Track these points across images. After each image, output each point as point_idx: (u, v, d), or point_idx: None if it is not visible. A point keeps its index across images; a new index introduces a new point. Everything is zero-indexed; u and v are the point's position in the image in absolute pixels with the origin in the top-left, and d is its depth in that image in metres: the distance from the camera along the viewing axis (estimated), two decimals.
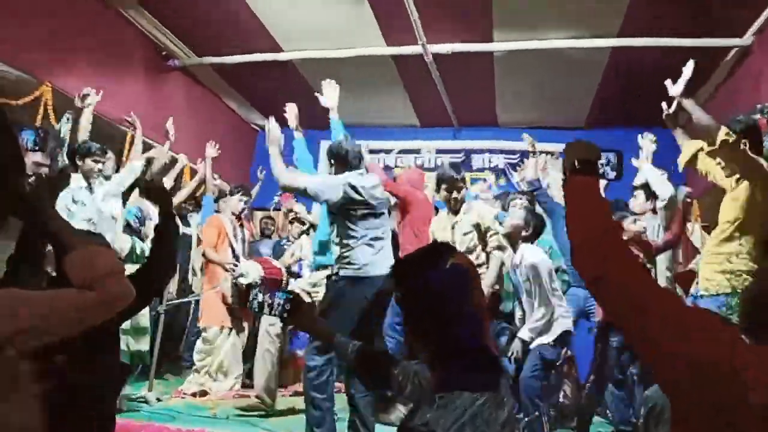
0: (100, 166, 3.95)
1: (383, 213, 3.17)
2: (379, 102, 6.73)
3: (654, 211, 4.17)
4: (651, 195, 4.16)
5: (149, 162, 4.61)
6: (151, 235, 3.90)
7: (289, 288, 4.22)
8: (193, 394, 4.22)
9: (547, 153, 7.13)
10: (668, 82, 3.20)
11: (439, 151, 7.39)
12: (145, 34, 5.40)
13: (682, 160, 3.34)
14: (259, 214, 7.26)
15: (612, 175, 1.37)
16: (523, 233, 3.40)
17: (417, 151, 7.44)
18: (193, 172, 5.83)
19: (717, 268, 2.91)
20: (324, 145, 7.74)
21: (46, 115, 4.32)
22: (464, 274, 1.31)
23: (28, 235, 1.46)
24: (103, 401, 2.02)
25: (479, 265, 3.62)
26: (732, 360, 0.84)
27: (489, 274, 3.54)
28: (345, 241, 3.01)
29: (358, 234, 3.00)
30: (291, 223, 6.53)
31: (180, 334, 5.37)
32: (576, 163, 1.21)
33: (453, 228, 3.74)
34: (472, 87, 6.25)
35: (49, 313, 1.14)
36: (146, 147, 4.78)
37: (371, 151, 7.54)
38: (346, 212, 3.01)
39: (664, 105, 3.40)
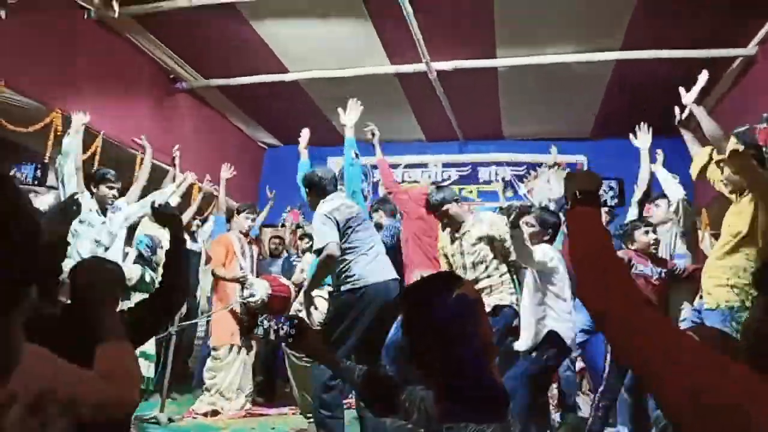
0: (114, 192, 4.08)
1: (365, 222, 3.36)
2: (384, 118, 6.74)
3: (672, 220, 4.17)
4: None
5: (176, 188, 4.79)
6: (163, 261, 4.00)
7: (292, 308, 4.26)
8: (205, 414, 4.24)
9: (554, 165, 7.15)
10: (682, 90, 3.28)
11: (446, 165, 7.42)
12: (153, 58, 5.49)
13: (694, 171, 3.35)
14: (268, 232, 7.31)
15: (614, 202, 1.39)
16: (544, 238, 3.42)
17: (424, 165, 7.47)
18: (200, 191, 5.89)
19: (720, 281, 2.91)
20: (330, 161, 7.84)
21: (57, 142, 4.39)
22: (470, 304, 1.32)
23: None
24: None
25: (489, 276, 3.60)
26: (738, 395, 0.85)
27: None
28: (342, 257, 3.11)
29: (351, 248, 3.15)
30: (301, 239, 6.58)
31: (188, 351, 5.41)
32: (577, 194, 1.23)
33: (459, 240, 3.68)
34: (476, 102, 6.28)
35: (76, 383, 1.21)
36: (154, 169, 4.86)
37: (376, 167, 7.61)
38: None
39: (677, 110, 3.44)
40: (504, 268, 3.62)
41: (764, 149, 4.44)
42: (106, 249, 4.10)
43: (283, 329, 1.65)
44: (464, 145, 7.37)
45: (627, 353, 1.00)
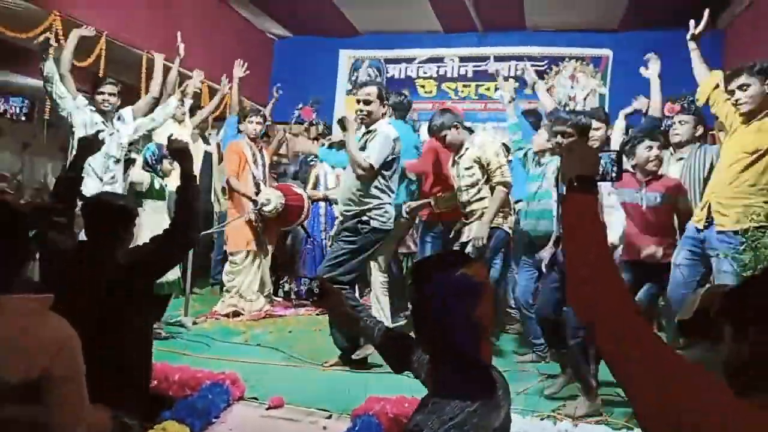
0: (113, 99, 3.99)
1: None
2: (397, 6, 6.38)
3: (701, 138, 3.93)
4: (699, 122, 3.94)
5: (183, 96, 4.74)
6: (169, 171, 4.03)
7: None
8: (227, 315, 4.48)
9: (578, 59, 6.81)
10: (692, 23, 3.12)
11: (463, 59, 7.09)
12: None
13: (701, 96, 3.20)
14: (281, 129, 7.21)
15: (613, 174, 1.36)
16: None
17: (440, 60, 7.16)
18: (211, 90, 5.75)
19: (734, 201, 2.87)
20: (342, 54, 7.52)
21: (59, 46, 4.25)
22: (472, 285, 1.33)
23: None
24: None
25: (481, 199, 3.65)
26: (719, 420, 0.87)
27: (489, 210, 3.56)
28: (381, 195, 3.29)
29: (390, 191, 3.34)
30: (316, 139, 6.52)
31: (207, 249, 5.60)
32: (573, 181, 1.20)
33: (456, 165, 3.79)
34: None
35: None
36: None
37: (390, 61, 7.32)
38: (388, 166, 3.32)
39: (691, 24, 3.23)
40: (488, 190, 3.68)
41: None
42: (117, 161, 4.11)
43: (306, 288, 1.71)
44: (483, 37, 6.98)
45: (611, 363, 1.02)
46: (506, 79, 6.53)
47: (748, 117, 2.90)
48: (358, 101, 3.35)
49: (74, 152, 2.81)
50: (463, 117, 4.14)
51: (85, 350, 1.51)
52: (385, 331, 1.67)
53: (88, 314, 1.88)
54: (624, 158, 3.50)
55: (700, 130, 3.91)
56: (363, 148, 3.32)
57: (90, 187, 3.89)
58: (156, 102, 4.48)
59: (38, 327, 1.44)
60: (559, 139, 3.03)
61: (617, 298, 1.04)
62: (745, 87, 2.89)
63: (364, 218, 3.28)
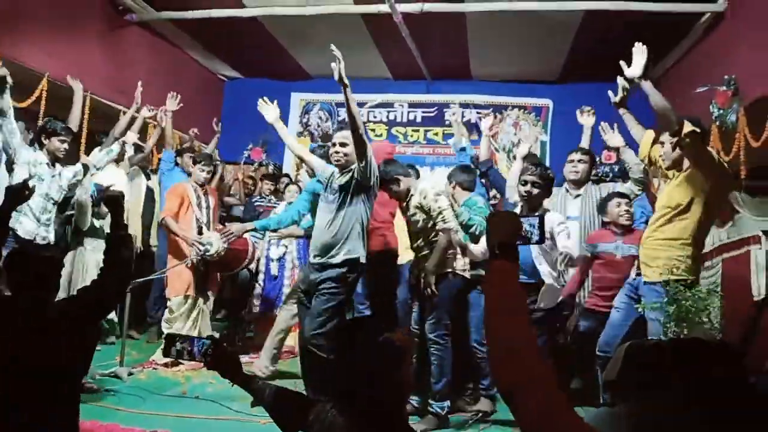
0: (65, 145, 3.98)
1: None
2: (348, 55, 6.49)
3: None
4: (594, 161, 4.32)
5: (123, 144, 4.74)
6: (106, 213, 3.96)
7: None
8: (165, 365, 4.33)
9: (520, 108, 7.10)
10: (623, 64, 3.07)
11: (412, 105, 7.29)
12: None
13: (642, 153, 3.38)
14: (231, 170, 7.19)
15: (536, 239, 1.45)
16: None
17: (390, 105, 7.33)
18: (155, 127, 5.69)
19: (657, 253, 3.01)
20: (294, 96, 7.60)
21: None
22: (392, 351, 1.38)
23: None
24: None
25: (430, 244, 3.56)
26: None
27: (430, 259, 3.47)
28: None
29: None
30: (262, 180, 6.51)
31: (145, 292, 5.43)
32: (495, 248, 1.25)
33: (405, 211, 3.72)
34: (444, 42, 6.09)
35: None
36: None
37: (341, 104, 7.43)
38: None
39: (620, 81, 3.35)
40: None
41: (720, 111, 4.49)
42: (55, 203, 4.02)
43: (199, 349, 1.66)
44: (431, 85, 7.21)
45: (526, 428, 1.06)
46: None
47: (677, 168, 3.06)
48: (334, 144, 3.42)
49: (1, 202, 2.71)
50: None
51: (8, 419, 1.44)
52: (277, 390, 1.65)
53: (16, 375, 1.82)
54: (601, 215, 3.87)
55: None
56: (345, 186, 3.37)
57: (27, 227, 3.79)
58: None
59: None
60: (528, 187, 3.23)
61: (534, 375, 1.08)
62: (664, 143, 3.08)
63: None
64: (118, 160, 4.92)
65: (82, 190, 4.33)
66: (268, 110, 3.62)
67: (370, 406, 1.37)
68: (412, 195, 3.72)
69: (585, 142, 4.46)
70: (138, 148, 5.21)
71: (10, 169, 3.86)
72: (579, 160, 4.13)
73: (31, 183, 3.73)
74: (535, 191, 3.26)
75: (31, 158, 3.88)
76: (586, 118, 4.52)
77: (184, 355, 1.59)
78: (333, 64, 3.11)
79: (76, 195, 4.40)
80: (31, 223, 3.84)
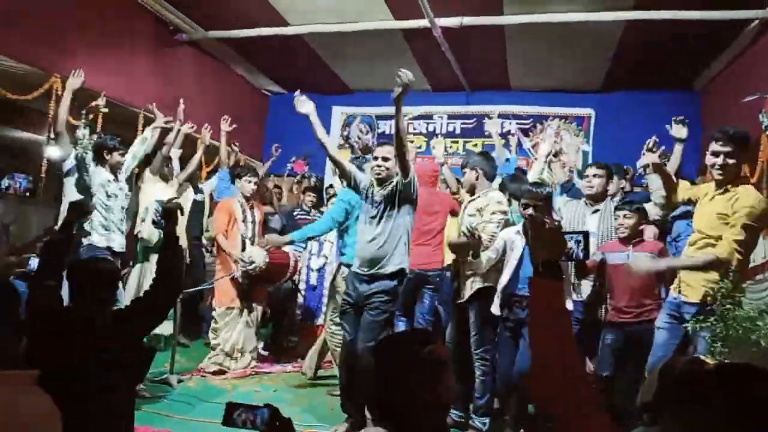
0: (123, 159, 4.15)
1: None
2: (387, 68, 6.60)
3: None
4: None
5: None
6: None
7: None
8: (213, 373, 4.48)
9: (561, 118, 7.04)
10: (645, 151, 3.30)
11: (451, 117, 7.32)
12: (150, 10, 5.37)
13: (680, 198, 3.30)
14: (277, 181, 7.35)
15: (581, 254, 1.46)
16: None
17: (429, 117, 7.37)
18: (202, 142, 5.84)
19: (697, 275, 2.93)
20: (335, 110, 7.74)
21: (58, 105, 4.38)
22: (434, 364, 1.40)
23: None
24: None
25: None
26: None
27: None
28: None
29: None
30: (304, 192, 6.62)
31: (195, 302, 5.61)
32: (539, 267, 1.28)
33: (465, 210, 3.79)
34: (483, 54, 6.11)
35: None
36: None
37: (381, 117, 7.54)
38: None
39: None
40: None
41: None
42: (128, 210, 4.31)
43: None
44: (471, 96, 7.23)
45: None
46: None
47: (719, 185, 2.96)
48: (376, 157, 3.49)
49: (65, 215, 2.86)
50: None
51: (68, 423, 1.54)
52: None
53: (75, 383, 1.93)
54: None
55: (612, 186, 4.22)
56: (389, 197, 3.40)
57: (118, 241, 4.07)
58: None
59: (21, 404, 1.48)
60: (530, 210, 3.28)
61: (578, 393, 1.11)
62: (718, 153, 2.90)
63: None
64: (166, 178, 5.07)
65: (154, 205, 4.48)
66: (304, 103, 3.68)
67: (413, 418, 1.39)
68: (478, 196, 3.71)
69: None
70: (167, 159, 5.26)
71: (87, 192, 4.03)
72: (594, 175, 3.99)
73: (111, 203, 4.02)
74: (537, 214, 3.29)
75: (103, 180, 4.06)
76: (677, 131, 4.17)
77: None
78: (396, 89, 3.21)
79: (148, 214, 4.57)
80: (120, 237, 4.10)
